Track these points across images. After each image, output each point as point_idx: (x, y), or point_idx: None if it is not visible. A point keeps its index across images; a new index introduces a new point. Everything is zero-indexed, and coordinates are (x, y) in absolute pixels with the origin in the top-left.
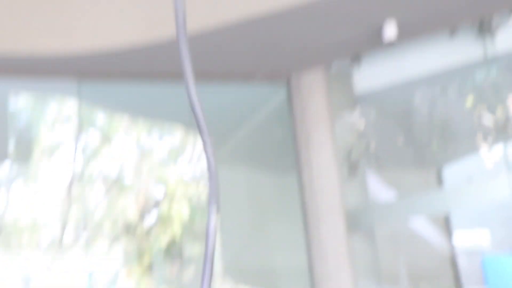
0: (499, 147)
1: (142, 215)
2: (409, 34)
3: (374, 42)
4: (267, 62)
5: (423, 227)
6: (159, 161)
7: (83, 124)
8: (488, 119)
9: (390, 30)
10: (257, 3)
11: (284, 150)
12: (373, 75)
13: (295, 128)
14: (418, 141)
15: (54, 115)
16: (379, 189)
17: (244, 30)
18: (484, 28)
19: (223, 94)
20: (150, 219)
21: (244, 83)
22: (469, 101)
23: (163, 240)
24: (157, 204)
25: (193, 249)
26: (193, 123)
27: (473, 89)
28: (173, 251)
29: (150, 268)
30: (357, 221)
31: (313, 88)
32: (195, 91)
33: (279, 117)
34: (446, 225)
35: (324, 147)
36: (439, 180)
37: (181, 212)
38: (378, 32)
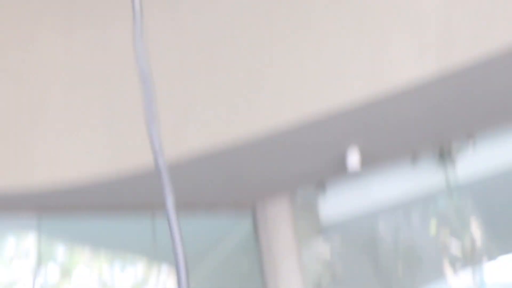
0: (466, 274)
1: None
2: (372, 161)
3: (338, 169)
4: (231, 192)
5: None
6: None
7: (42, 258)
8: (454, 246)
9: (353, 158)
10: (220, 134)
11: (251, 280)
12: (338, 202)
13: (261, 257)
14: (384, 268)
15: (12, 251)
16: None
17: (207, 160)
18: (445, 155)
19: (187, 225)
20: None
21: (209, 213)
22: (433, 227)
23: None
24: None
25: None
26: (156, 255)
27: (437, 215)
28: None
29: None
30: None
31: (279, 217)
32: (178, 226)
33: (245, 247)
34: None
35: (292, 276)
36: None
37: None
38: (342, 160)
